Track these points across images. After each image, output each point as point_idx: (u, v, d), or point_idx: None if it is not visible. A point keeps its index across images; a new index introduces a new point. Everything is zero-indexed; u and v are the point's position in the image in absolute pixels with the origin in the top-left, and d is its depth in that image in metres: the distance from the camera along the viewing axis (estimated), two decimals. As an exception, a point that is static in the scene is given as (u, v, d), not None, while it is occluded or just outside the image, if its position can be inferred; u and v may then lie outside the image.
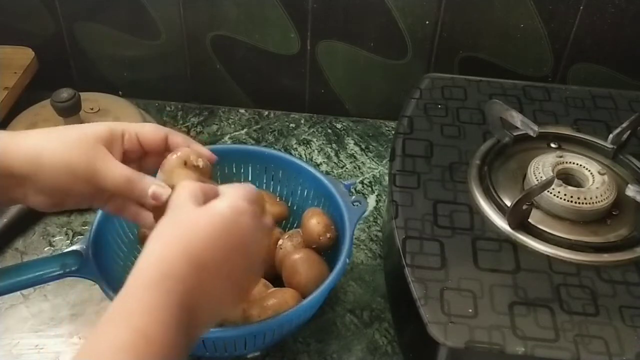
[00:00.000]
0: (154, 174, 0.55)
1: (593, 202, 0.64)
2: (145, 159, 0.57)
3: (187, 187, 0.50)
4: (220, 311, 0.48)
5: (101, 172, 0.52)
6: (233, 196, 0.49)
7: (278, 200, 0.75)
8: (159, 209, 0.52)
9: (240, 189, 0.51)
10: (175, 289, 0.43)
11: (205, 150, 0.57)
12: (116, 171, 0.52)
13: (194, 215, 0.47)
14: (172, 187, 0.52)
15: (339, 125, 0.99)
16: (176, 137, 0.57)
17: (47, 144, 0.52)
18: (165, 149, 0.57)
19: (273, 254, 0.70)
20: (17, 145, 0.52)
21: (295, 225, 0.75)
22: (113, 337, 0.40)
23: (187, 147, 0.56)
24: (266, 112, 1.01)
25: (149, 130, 0.57)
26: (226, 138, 0.96)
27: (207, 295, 0.45)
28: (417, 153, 0.72)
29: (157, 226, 0.47)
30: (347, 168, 0.91)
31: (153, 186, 0.53)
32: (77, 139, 0.53)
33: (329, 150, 0.94)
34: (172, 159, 0.55)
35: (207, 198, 0.49)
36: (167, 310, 0.42)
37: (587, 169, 0.67)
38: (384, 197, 0.86)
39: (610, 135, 0.72)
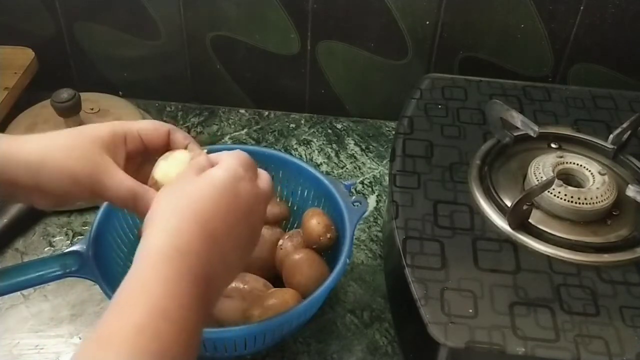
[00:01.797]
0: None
1: (593, 203, 0.64)
2: (147, 155, 0.57)
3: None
4: (231, 277, 0.49)
5: (105, 185, 0.51)
6: (230, 163, 0.49)
7: (278, 200, 0.75)
8: None
9: (234, 156, 0.51)
10: (190, 264, 0.43)
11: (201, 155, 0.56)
12: (121, 185, 0.52)
13: (197, 185, 0.47)
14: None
15: (339, 126, 0.99)
16: (178, 135, 0.56)
17: (49, 154, 0.51)
18: (167, 145, 0.56)
19: (273, 254, 0.70)
20: (19, 154, 0.51)
21: (295, 225, 0.75)
22: (132, 318, 0.39)
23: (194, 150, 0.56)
24: (266, 113, 1.01)
25: (152, 128, 0.56)
26: (226, 138, 0.96)
27: (219, 264, 0.46)
28: (418, 153, 0.72)
29: (161, 196, 0.48)
30: (347, 168, 0.91)
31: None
32: (80, 147, 0.52)
33: (329, 150, 0.94)
34: (180, 158, 0.54)
35: (204, 167, 0.50)
36: (185, 287, 0.42)
37: (587, 169, 0.67)
38: (384, 198, 0.86)
39: (611, 136, 0.72)
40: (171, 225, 0.45)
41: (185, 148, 0.56)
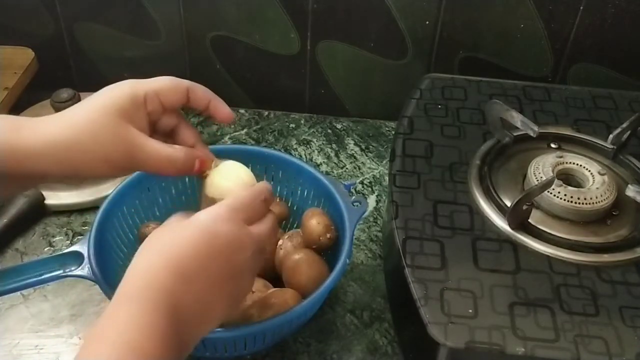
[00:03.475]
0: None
1: (593, 203, 0.64)
2: (165, 114, 0.55)
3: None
4: (213, 319, 0.47)
5: (141, 159, 0.51)
6: (219, 206, 0.49)
7: (278, 200, 0.75)
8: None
9: (234, 196, 0.51)
10: (161, 300, 0.42)
11: (224, 108, 0.56)
12: (156, 154, 0.51)
13: (176, 228, 0.47)
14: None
15: (339, 126, 0.99)
16: (198, 92, 0.55)
17: (76, 142, 0.49)
18: (186, 102, 0.55)
19: (273, 254, 0.70)
20: (38, 146, 0.48)
21: (295, 225, 0.75)
22: (100, 350, 0.39)
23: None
24: (266, 113, 1.01)
25: (170, 87, 0.54)
26: (226, 138, 0.96)
27: (194, 304, 0.45)
28: (417, 153, 0.72)
29: (151, 235, 0.48)
30: (347, 168, 0.91)
31: (197, 161, 0.54)
32: (105, 126, 0.49)
33: (329, 150, 0.94)
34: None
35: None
36: (155, 323, 0.41)
37: (587, 169, 0.67)
38: (384, 198, 0.86)
39: (611, 136, 0.72)
40: (145, 264, 0.45)
41: (208, 105, 0.56)
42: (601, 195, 0.64)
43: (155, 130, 0.55)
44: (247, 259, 0.49)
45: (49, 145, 0.49)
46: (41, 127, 0.50)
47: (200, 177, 0.56)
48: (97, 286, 0.60)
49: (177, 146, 0.54)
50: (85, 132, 0.49)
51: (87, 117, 0.50)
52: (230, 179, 0.55)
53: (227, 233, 0.47)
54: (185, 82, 0.55)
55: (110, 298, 0.58)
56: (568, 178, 0.67)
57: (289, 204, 0.76)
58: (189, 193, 0.75)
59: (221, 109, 0.56)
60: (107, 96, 0.52)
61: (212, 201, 0.53)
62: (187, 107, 0.56)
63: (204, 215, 0.48)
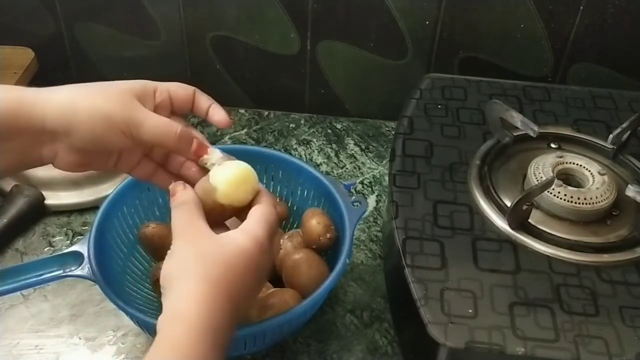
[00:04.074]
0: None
1: (593, 203, 0.64)
2: (173, 116, 0.57)
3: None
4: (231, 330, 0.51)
5: (140, 120, 0.52)
6: (258, 234, 0.51)
7: (278, 200, 0.75)
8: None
9: (266, 220, 0.52)
10: (221, 337, 0.46)
11: (222, 113, 0.58)
12: (155, 117, 0.53)
13: (227, 255, 0.49)
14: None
15: (339, 126, 0.99)
16: (202, 97, 0.58)
17: (83, 96, 0.52)
18: (192, 107, 0.58)
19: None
20: (50, 99, 0.51)
21: (295, 225, 0.75)
22: None
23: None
24: (266, 112, 1.01)
25: (180, 86, 0.58)
26: (226, 138, 0.96)
27: (232, 326, 0.48)
28: (417, 153, 0.72)
29: (188, 249, 0.49)
30: (347, 168, 0.91)
31: (195, 141, 0.55)
32: (114, 92, 0.53)
33: (329, 150, 0.94)
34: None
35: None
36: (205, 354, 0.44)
37: (587, 169, 0.67)
38: (384, 198, 0.86)
39: (611, 136, 0.72)
40: (205, 295, 0.46)
41: (208, 110, 0.58)
42: (601, 195, 0.64)
43: None
44: (267, 276, 0.55)
45: (53, 97, 0.51)
46: (50, 89, 0.53)
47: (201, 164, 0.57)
48: (97, 286, 0.60)
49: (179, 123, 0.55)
50: (93, 92, 0.52)
51: (96, 85, 0.54)
52: (240, 187, 0.55)
53: (265, 265, 0.52)
54: (192, 87, 0.58)
55: (110, 298, 0.59)
56: (568, 178, 0.67)
57: (289, 204, 0.76)
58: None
59: (219, 113, 0.58)
60: (120, 81, 0.55)
61: (220, 206, 0.54)
62: (189, 113, 0.59)
63: (253, 247, 0.50)
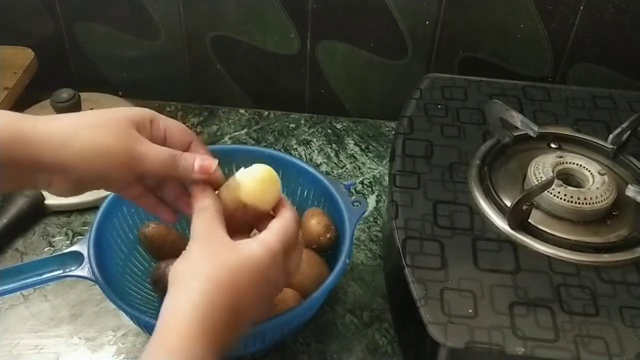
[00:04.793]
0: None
1: (593, 203, 0.64)
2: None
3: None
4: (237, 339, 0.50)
5: (141, 154, 0.51)
6: (274, 244, 0.50)
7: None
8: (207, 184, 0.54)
9: (283, 229, 0.52)
10: (218, 341, 0.45)
11: (209, 159, 0.56)
12: (157, 150, 0.52)
13: (238, 261, 0.48)
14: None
15: (339, 126, 0.99)
16: (199, 147, 0.56)
17: (81, 130, 0.50)
18: (186, 150, 0.56)
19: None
20: (47, 133, 0.49)
21: (295, 225, 0.75)
22: None
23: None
24: (266, 113, 1.01)
25: (179, 130, 0.56)
26: (226, 138, 0.96)
27: (236, 336, 0.48)
28: (417, 153, 0.72)
29: (200, 250, 0.49)
30: (347, 168, 0.91)
31: (198, 159, 0.53)
32: (113, 123, 0.51)
33: (329, 150, 0.94)
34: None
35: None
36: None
37: (587, 169, 0.67)
38: (384, 198, 0.86)
39: (611, 136, 0.72)
40: (206, 296, 0.46)
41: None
42: (601, 195, 0.64)
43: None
44: (278, 291, 0.54)
45: (50, 128, 0.50)
46: (47, 118, 0.52)
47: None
48: (97, 286, 0.60)
49: (178, 151, 0.54)
50: (90, 124, 0.51)
51: (94, 115, 0.52)
52: (265, 187, 0.55)
53: (278, 278, 0.51)
54: (192, 134, 0.57)
55: (110, 298, 0.58)
56: (568, 178, 0.67)
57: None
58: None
59: (208, 160, 0.55)
60: (117, 109, 0.54)
61: (243, 208, 0.54)
62: None
63: (266, 256, 0.49)
